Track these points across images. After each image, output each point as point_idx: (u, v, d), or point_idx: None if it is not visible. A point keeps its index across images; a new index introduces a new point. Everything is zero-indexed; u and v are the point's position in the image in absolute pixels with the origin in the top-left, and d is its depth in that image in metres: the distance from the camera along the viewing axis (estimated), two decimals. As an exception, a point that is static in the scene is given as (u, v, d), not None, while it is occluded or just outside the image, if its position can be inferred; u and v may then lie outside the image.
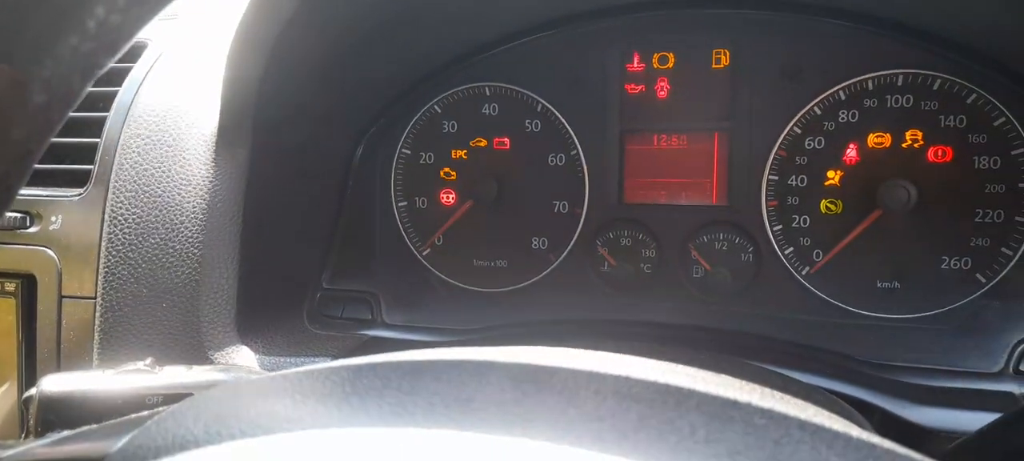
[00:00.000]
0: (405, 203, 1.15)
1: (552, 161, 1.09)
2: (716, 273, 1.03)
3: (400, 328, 1.05)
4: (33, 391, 0.70)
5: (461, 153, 1.12)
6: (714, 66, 1.03)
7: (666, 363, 0.52)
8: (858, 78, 0.97)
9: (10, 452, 0.52)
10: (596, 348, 0.58)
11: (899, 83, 0.96)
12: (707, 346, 0.87)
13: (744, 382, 0.51)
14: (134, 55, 0.97)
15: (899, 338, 0.94)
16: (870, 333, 0.96)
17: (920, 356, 0.88)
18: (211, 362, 0.88)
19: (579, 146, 1.07)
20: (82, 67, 0.47)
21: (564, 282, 1.10)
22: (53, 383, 0.71)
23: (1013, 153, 0.93)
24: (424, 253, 1.15)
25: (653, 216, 1.06)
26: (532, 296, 1.11)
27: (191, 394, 0.75)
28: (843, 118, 0.98)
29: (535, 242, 1.11)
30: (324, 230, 1.08)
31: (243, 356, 0.90)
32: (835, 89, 0.98)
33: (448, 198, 1.13)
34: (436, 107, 1.11)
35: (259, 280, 0.95)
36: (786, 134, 1.00)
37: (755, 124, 1.01)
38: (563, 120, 1.07)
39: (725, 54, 1.02)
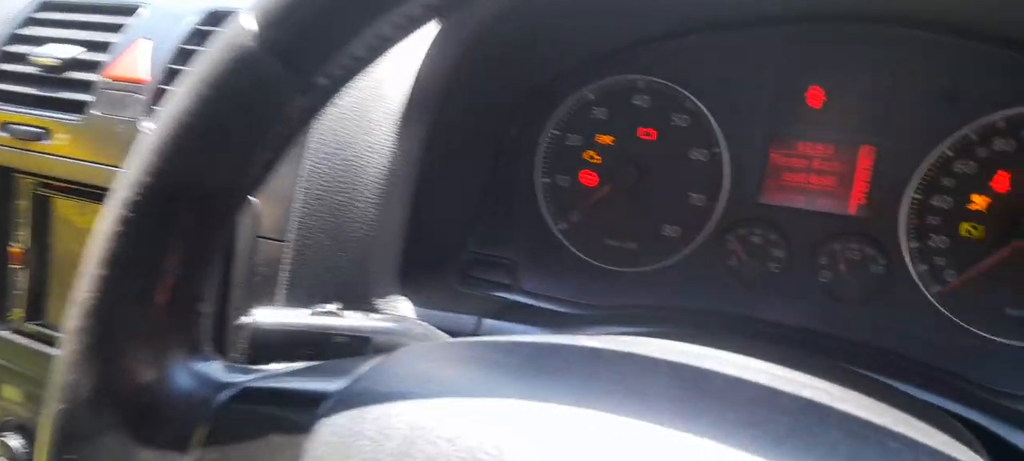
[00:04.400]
0: (548, 180, 1.23)
1: (694, 156, 1.14)
2: (844, 280, 1.07)
3: (536, 296, 1.14)
4: (247, 319, 0.83)
5: (607, 139, 1.19)
6: (870, 81, 1.05)
7: (808, 377, 0.59)
8: (1020, 108, 0.97)
9: (248, 377, 0.63)
10: (734, 349, 0.65)
11: (1062, 117, 0.95)
12: (834, 354, 0.92)
13: (878, 403, 0.57)
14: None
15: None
16: (995, 359, 0.98)
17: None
18: (375, 308, 1.00)
19: (723, 145, 1.12)
20: (349, 73, 0.56)
21: (691, 271, 1.16)
22: (263, 315, 0.84)
23: None
24: (560, 227, 1.23)
25: (787, 218, 1.10)
26: (659, 280, 1.17)
27: (369, 338, 0.87)
28: (999, 146, 0.99)
29: (667, 229, 1.17)
30: (474, 199, 1.18)
31: (402, 306, 1.02)
32: (994, 117, 0.98)
33: (589, 179, 1.21)
34: (589, 94, 1.18)
35: (420, 241, 1.06)
36: (936, 155, 1.01)
37: (905, 142, 1.03)
38: (712, 119, 1.12)
39: (884, 70, 1.03)
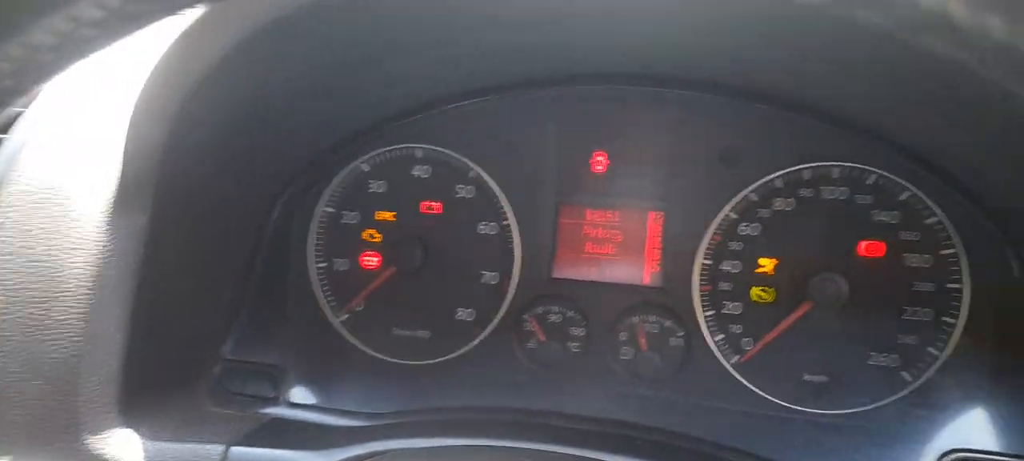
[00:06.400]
0: (324, 265, 1.07)
1: (482, 230, 1.04)
2: (645, 357, 0.99)
3: (305, 408, 0.97)
4: None
5: (388, 215, 1.06)
6: (652, 145, 1.00)
7: None
8: (795, 167, 0.95)
9: None
10: None
11: (835, 175, 0.95)
12: (624, 449, 0.83)
13: None
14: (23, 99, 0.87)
15: (825, 440, 0.92)
16: (796, 431, 0.94)
17: (846, 465, 0.86)
18: (86, 448, 0.79)
19: (511, 216, 1.02)
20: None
21: (488, 358, 1.04)
22: None
23: (943, 252, 0.93)
24: (341, 319, 1.08)
25: (583, 293, 1.02)
26: (453, 372, 1.05)
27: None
28: (779, 206, 0.96)
29: (460, 313, 1.05)
30: (231, 296, 1.00)
31: (125, 441, 0.81)
32: (772, 177, 0.96)
33: (370, 261, 1.07)
34: (363, 166, 1.05)
35: (151, 353, 0.86)
36: (721, 218, 0.97)
37: (690, 205, 0.99)
38: (496, 188, 1.02)
39: (665, 133, 0.99)
